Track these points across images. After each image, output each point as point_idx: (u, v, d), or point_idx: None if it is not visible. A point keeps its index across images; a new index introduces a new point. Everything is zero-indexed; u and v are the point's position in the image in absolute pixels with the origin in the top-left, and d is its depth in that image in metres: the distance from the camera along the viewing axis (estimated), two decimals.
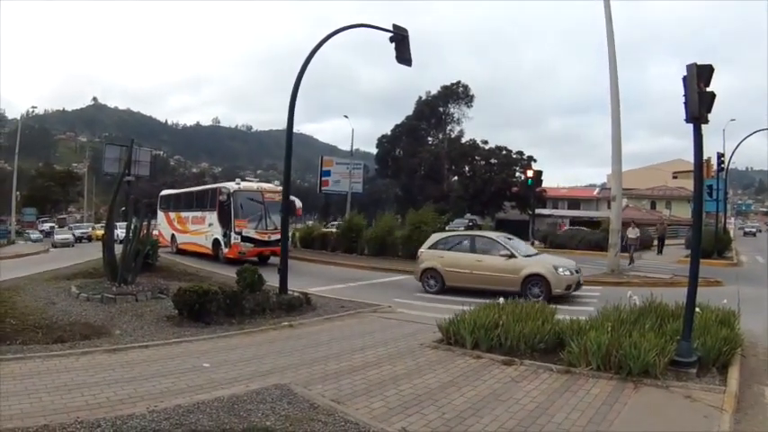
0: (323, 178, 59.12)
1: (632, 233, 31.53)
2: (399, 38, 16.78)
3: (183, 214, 34.46)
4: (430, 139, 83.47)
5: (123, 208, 23.95)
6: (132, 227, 17.25)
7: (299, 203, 30.28)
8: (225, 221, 28.32)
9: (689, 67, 8.50)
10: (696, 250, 9.44)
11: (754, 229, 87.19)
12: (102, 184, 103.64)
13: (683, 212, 69.75)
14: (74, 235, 57.19)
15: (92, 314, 12.96)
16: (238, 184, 30.29)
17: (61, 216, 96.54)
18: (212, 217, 29.68)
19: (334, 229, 43.37)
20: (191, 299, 12.29)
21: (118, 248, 16.97)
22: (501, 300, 11.48)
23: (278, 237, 24.00)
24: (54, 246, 50.55)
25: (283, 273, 15.50)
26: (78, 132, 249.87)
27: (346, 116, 64.77)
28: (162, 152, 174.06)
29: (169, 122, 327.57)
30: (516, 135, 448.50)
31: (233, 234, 27.60)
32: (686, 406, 7.28)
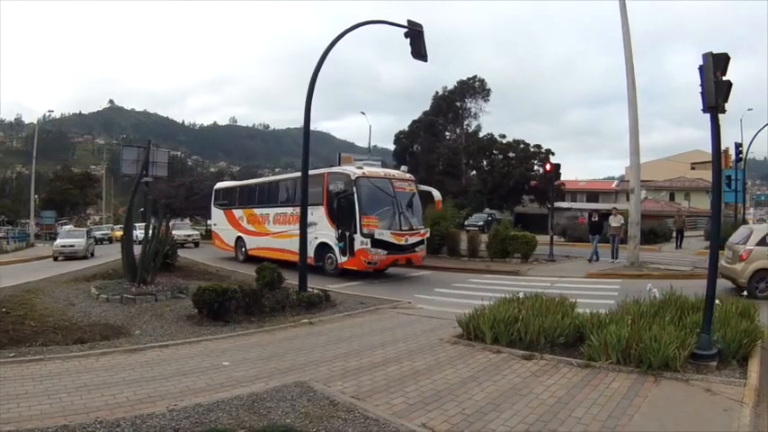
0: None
1: (614, 221, 28.83)
2: (415, 33, 16.76)
3: (259, 211, 27.55)
4: (447, 134, 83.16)
5: (142, 209, 23.73)
6: (151, 227, 17.35)
7: (437, 195, 26.21)
8: (344, 219, 21.54)
9: (705, 57, 8.49)
10: (715, 242, 9.38)
11: None
12: (120, 185, 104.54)
13: (702, 204, 69.09)
14: (88, 237, 39.58)
15: (111, 315, 13.06)
16: (361, 168, 22.82)
17: (80, 217, 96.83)
18: (318, 213, 22.24)
19: None
20: (210, 298, 12.35)
21: (137, 249, 16.98)
22: (521, 294, 11.49)
23: (416, 239, 22.45)
24: (54, 257, 35.20)
25: (303, 269, 15.58)
26: (95, 135, 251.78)
27: (363, 113, 64.96)
28: (179, 153, 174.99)
29: (186, 123, 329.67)
30: (538, 129, 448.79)
31: (358, 237, 20.87)
32: (706, 399, 7.23)
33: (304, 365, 8.89)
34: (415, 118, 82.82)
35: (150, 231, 17.19)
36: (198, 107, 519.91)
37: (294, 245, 20.20)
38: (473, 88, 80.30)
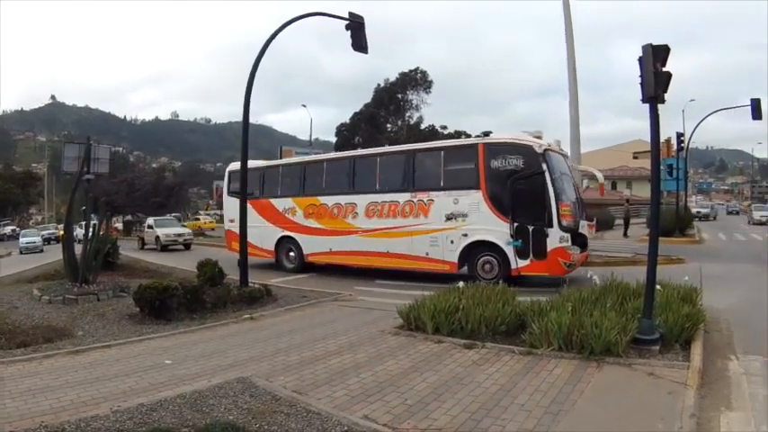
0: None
1: None
2: (356, 25, 16.68)
3: (333, 200, 20.64)
4: (389, 125, 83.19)
5: (84, 207, 23.14)
6: (92, 225, 17.01)
7: (600, 177, 20.58)
8: (526, 208, 16.10)
9: (644, 48, 8.57)
10: (655, 228, 9.52)
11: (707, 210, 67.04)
12: (63, 183, 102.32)
13: (644, 192, 70.21)
14: (42, 237, 49.42)
15: (54, 316, 12.77)
16: (539, 137, 18.65)
17: (22, 217, 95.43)
18: (467, 201, 17.01)
19: None
20: (151, 296, 12.18)
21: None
22: (461, 283, 11.46)
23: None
24: (21, 252, 44.02)
25: (243, 264, 15.40)
26: (37, 132, 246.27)
27: (305, 105, 64.33)
28: (121, 148, 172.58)
29: (128, 118, 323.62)
30: (484, 120, 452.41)
31: (555, 231, 15.61)
32: (650, 383, 7.32)
33: (246, 361, 8.84)
34: (357, 110, 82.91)
35: (91, 230, 16.82)
36: (140, 102, 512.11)
37: (411, 246, 18.03)
38: (415, 80, 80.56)
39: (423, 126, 79.51)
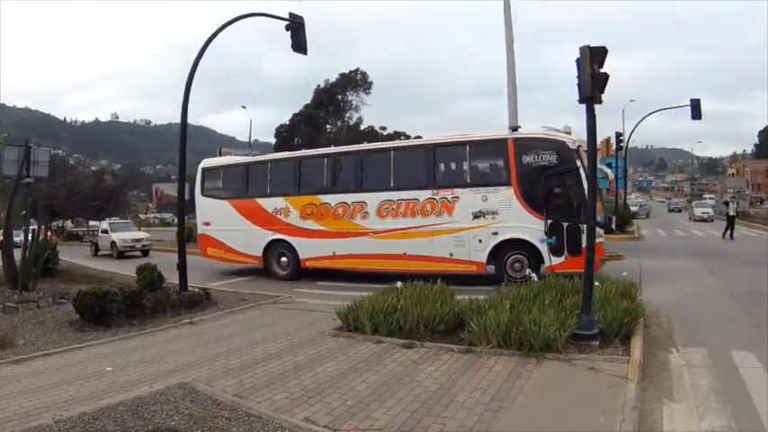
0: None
1: None
2: (296, 26, 16.69)
3: (339, 199, 18.77)
4: (328, 126, 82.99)
5: (24, 212, 22.43)
6: (31, 231, 16.69)
7: (610, 174, 20.55)
8: (561, 205, 15.73)
9: (582, 50, 8.69)
10: (592, 227, 9.71)
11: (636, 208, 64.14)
12: (1, 187, 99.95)
13: None
14: None
15: None
16: (569, 133, 17.04)
17: None
18: (498, 198, 16.17)
19: None
20: (90, 302, 11.93)
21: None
22: (399, 284, 11.53)
23: None
24: None
25: (182, 269, 15.23)
26: None
27: (244, 107, 63.62)
28: (61, 151, 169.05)
29: (68, 120, 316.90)
30: (425, 120, 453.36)
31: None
32: (590, 377, 7.45)
33: (186, 366, 8.77)
34: (297, 111, 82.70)
35: (30, 235, 16.48)
36: (81, 103, 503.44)
37: (432, 247, 16.89)
38: (355, 81, 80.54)
39: (362, 127, 79.62)
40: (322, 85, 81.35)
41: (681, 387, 7.33)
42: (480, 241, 16.30)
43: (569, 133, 16.73)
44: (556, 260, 15.10)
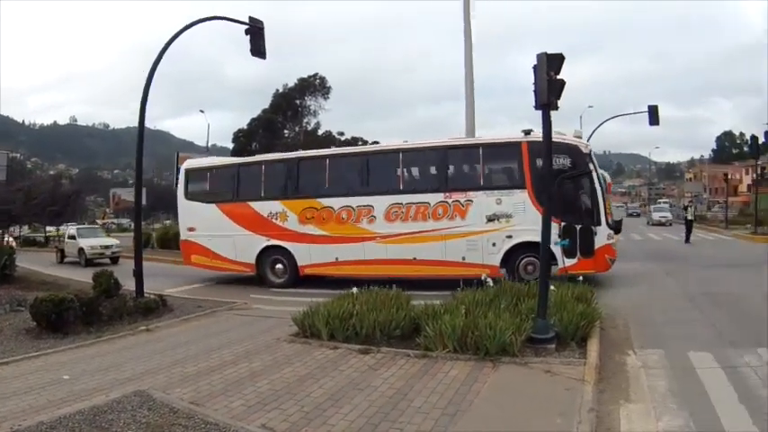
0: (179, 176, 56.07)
1: None
2: (255, 30, 16.66)
3: (341, 203, 18.04)
4: (286, 131, 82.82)
5: None
6: None
7: (608, 177, 19.36)
8: (575, 207, 16.10)
9: (539, 56, 8.78)
10: (547, 229, 9.76)
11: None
12: None
13: None
14: None
15: None
16: (580, 136, 17.71)
17: None
18: (512, 201, 16.28)
19: None
20: (47, 309, 11.75)
21: None
22: (354, 289, 11.51)
23: None
24: None
25: (138, 275, 15.04)
26: None
27: (202, 111, 62.73)
28: (19, 154, 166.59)
29: (27, 122, 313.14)
30: (384, 125, 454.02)
31: (604, 228, 16.00)
32: (547, 380, 7.51)
33: (143, 374, 8.69)
34: (255, 116, 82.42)
35: None
36: (40, 105, 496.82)
37: (444, 251, 16.67)
38: (313, 86, 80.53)
39: (320, 132, 79.89)
40: (281, 90, 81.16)
41: (638, 388, 7.42)
42: (494, 245, 16.37)
43: (580, 137, 17.11)
44: (569, 262, 14.96)
